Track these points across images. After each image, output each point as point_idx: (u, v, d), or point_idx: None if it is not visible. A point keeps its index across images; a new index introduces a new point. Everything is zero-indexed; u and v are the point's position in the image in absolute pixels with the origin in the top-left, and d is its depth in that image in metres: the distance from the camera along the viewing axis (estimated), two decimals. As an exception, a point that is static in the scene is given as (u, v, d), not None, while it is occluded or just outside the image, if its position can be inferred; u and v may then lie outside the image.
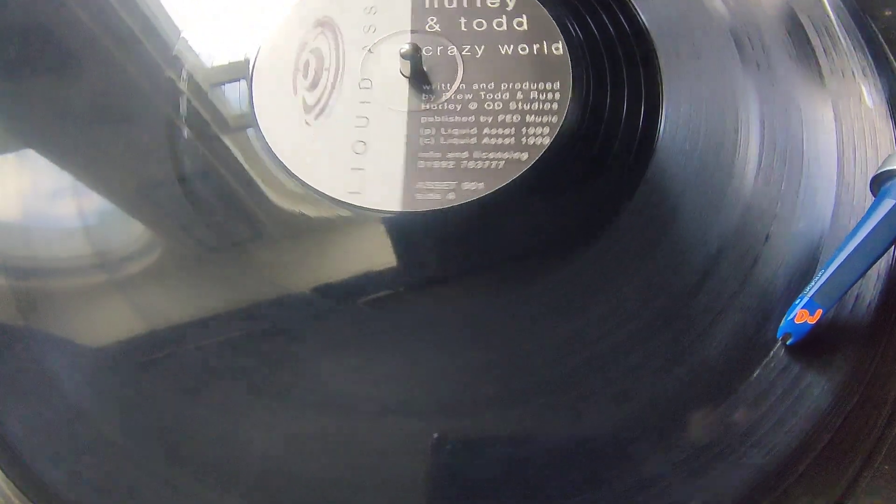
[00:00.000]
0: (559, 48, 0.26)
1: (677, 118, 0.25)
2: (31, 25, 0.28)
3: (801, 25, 0.26)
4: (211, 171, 0.25)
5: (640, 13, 0.27)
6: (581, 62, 0.26)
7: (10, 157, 0.25)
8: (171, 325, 0.22)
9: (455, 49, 0.26)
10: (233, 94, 0.26)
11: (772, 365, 0.21)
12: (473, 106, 0.25)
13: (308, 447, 0.20)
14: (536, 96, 0.25)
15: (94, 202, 0.24)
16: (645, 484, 0.19)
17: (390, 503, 0.19)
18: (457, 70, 0.26)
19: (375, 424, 0.20)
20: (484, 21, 0.27)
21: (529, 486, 0.19)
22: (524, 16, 0.27)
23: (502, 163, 0.24)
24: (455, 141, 0.25)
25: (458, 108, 0.25)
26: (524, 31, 0.27)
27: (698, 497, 0.19)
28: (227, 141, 0.25)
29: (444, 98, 0.25)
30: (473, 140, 0.24)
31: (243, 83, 0.26)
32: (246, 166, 0.25)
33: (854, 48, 0.25)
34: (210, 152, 0.25)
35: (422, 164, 0.24)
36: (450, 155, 0.24)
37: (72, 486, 0.20)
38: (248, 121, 0.25)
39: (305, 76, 0.26)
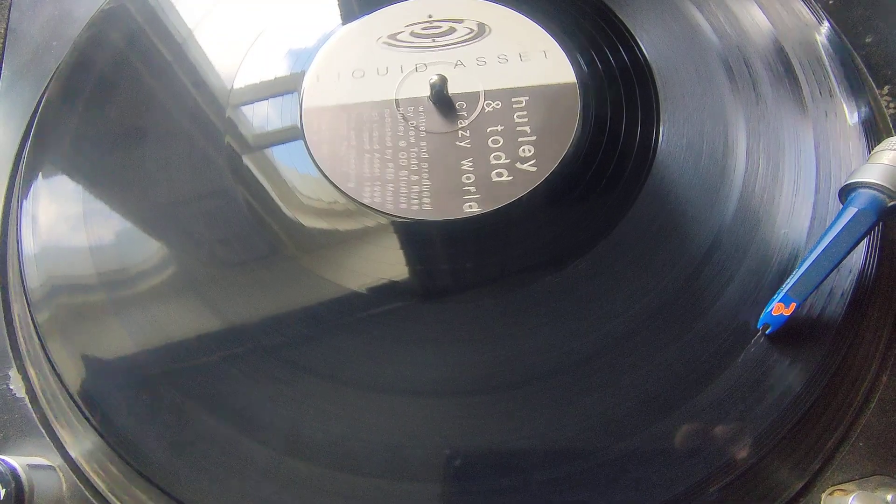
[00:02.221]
0: (569, 76, 0.30)
1: (672, 136, 0.28)
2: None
3: (785, 53, 0.29)
4: (261, 182, 0.29)
5: (641, 44, 0.30)
6: (588, 87, 0.30)
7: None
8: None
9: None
10: (279, 112, 0.30)
11: (752, 350, 0.24)
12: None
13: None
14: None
15: (146, 216, 0.28)
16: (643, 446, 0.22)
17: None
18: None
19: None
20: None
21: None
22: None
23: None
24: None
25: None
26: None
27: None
28: (276, 153, 0.29)
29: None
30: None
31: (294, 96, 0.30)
32: (294, 179, 0.29)
33: (834, 73, 0.29)
34: (260, 163, 0.29)
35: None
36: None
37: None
38: (297, 134, 0.29)
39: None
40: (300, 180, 0.29)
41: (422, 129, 0.29)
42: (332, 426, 0.23)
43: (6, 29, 0.35)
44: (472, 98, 0.30)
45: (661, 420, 0.23)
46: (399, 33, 0.32)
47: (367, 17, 0.33)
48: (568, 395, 0.23)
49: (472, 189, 0.28)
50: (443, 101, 0.30)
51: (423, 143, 0.29)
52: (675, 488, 0.22)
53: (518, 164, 0.28)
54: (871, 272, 0.25)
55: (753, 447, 0.22)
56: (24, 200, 0.28)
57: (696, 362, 0.24)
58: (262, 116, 0.30)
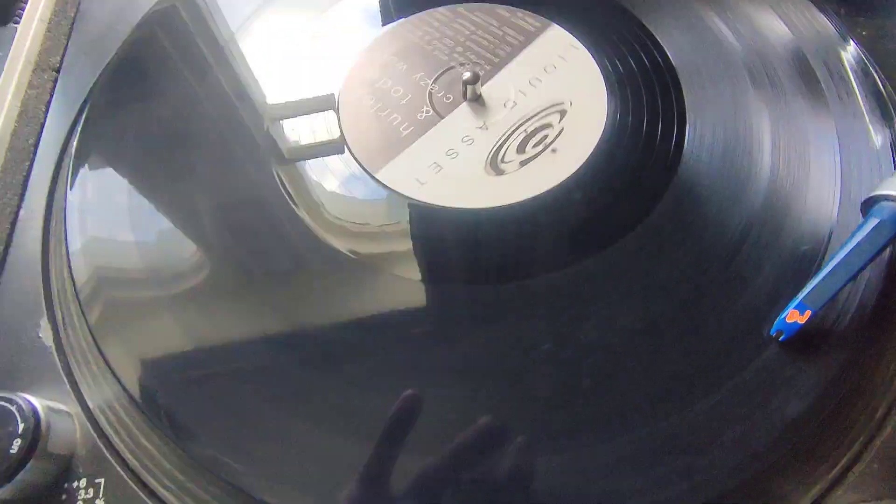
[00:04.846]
0: (598, 81, 0.31)
1: (698, 134, 0.29)
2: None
3: (805, 58, 0.30)
4: (311, 185, 0.30)
5: (666, 48, 0.31)
6: (616, 90, 0.31)
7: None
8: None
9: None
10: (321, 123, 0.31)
11: (763, 358, 0.23)
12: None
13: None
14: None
15: (191, 222, 0.29)
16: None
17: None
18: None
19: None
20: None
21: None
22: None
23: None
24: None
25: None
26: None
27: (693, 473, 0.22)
28: (325, 162, 0.30)
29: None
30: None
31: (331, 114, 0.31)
32: (344, 185, 0.29)
33: (855, 78, 0.29)
34: (307, 173, 0.30)
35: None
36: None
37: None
38: (340, 146, 0.30)
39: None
40: (341, 182, 0.30)
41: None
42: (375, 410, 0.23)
43: (76, 13, 0.38)
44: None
45: (656, 426, 0.22)
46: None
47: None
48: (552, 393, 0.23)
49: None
50: (474, 97, 0.31)
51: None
52: (678, 501, 0.21)
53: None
54: (892, 287, 0.25)
55: (757, 460, 0.22)
56: (74, 175, 0.30)
57: (702, 369, 0.23)
58: (304, 125, 0.32)
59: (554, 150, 0.29)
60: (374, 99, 0.32)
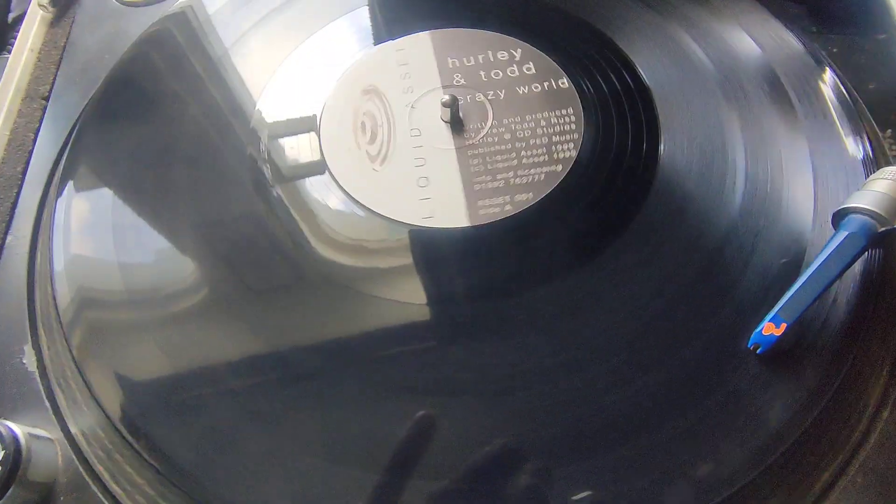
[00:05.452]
0: (565, 83, 0.32)
1: (672, 152, 0.29)
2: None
3: (776, 75, 0.31)
4: (292, 210, 0.30)
5: (639, 68, 0.32)
6: (591, 109, 0.31)
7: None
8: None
9: (482, 95, 0.32)
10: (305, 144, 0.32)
11: (739, 371, 0.24)
12: (508, 136, 0.31)
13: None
14: (557, 120, 0.31)
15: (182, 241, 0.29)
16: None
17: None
18: (487, 111, 0.32)
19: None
20: (500, 71, 0.33)
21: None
22: (531, 63, 0.33)
23: (543, 175, 0.29)
24: (500, 164, 0.30)
25: (496, 139, 0.31)
26: (533, 74, 0.32)
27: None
28: (307, 184, 0.30)
29: (482, 133, 0.31)
30: (514, 162, 0.30)
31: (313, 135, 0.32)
32: (326, 204, 0.30)
33: (825, 93, 0.30)
34: (291, 194, 0.30)
35: (477, 186, 0.29)
36: (499, 176, 0.29)
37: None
38: (322, 168, 0.31)
39: (364, 133, 0.32)
40: (324, 205, 0.30)
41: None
42: (364, 433, 0.23)
43: (66, 43, 0.39)
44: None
45: (632, 443, 0.22)
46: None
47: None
48: (541, 406, 0.23)
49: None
50: (454, 119, 0.31)
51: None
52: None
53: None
54: (871, 302, 0.25)
55: (736, 476, 0.22)
56: (59, 197, 0.31)
57: (677, 382, 0.23)
58: (291, 143, 0.32)
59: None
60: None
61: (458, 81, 0.33)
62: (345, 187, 0.30)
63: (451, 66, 0.33)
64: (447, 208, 0.29)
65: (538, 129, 0.31)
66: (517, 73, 0.33)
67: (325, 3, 0.37)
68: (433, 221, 0.28)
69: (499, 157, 0.30)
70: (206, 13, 0.37)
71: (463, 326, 0.26)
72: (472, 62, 0.33)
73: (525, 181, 0.29)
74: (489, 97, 0.32)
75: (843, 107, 0.29)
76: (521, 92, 0.32)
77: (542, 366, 0.24)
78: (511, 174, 0.29)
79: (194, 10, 0.37)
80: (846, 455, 0.24)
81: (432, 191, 0.29)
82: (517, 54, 0.34)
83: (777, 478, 0.23)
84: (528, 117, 0.31)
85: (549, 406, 0.23)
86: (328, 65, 0.34)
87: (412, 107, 0.32)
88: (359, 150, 0.31)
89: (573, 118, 0.31)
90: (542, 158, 0.30)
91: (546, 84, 0.32)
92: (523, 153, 0.30)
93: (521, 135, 0.31)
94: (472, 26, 0.35)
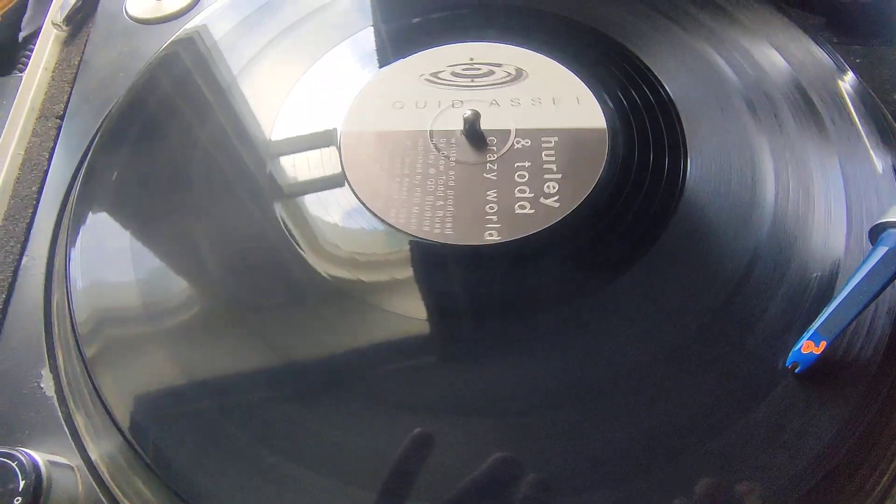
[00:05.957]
0: (599, 120, 0.31)
1: (699, 166, 0.29)
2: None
3: (802, 87, 0.30)
4: (309, 227, 0.29)
5: (665, 83, 0.32)
6: (617, 128, 0.31)
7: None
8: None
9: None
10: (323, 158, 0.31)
11: (778, 392, 0.23)
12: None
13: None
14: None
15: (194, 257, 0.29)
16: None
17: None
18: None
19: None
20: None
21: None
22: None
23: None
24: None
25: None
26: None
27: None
28: (322, 199, 0.30)
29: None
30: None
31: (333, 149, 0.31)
32: (342, 221, 0.29)
33: (853, 105, 0.29)
34: (306, 210, 0.30)
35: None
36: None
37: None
38: (340, 181, 0.30)
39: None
40: (342, 217, 0.29)
41: (452, 159, 0.31)
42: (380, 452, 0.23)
43: (80, 61, 0.39)
44: (503, 134, 0.31)
45: (665, 466, 0.22)
46: (440, 72, 0.34)
47: (410, 57, 0.35)
48: (566, 430, 0.23)
49: (495, 219, 0.28)
50: (474, 135, 0.31)
51: (452, 173, 0.30)
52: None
53: (542, 200, 0.29)
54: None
55: (778, 498, 0.21)
56: (75, 217, 0.30)
57: (714, 403, 0.23)
58: (302, 158, 0.32)
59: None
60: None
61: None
62: (365, 202, 0.29)
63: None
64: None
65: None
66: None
67: (342, 19, 0.37)
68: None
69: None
70: (214, 37, 0.37)
71: (483, 344, 0.25)
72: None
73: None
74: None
75: (874, 119, 0.28)
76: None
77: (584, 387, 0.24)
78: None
79: (208, 30, 0.37)
80: (885, 484, 0.23)
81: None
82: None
83: (821, 501, 0.22)
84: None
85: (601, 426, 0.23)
86: (344, 83, 0.34)
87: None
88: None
89: (597, 135, 0.30)
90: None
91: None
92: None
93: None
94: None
